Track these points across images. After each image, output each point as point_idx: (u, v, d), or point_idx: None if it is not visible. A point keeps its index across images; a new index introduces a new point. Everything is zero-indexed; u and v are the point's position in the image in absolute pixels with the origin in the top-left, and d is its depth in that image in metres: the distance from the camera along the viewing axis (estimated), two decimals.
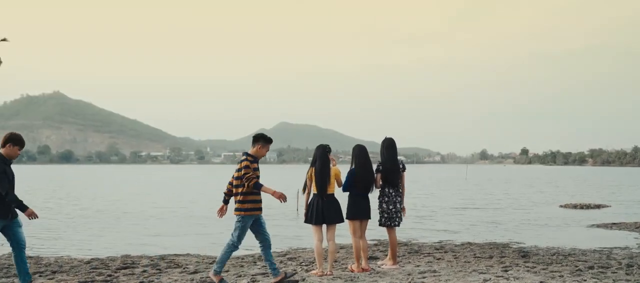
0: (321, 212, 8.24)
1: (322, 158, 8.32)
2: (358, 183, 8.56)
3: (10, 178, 7.13)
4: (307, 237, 14.49)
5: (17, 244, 7.31)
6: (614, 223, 17.02)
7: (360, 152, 8.73)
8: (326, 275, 8.34)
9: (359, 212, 8.61)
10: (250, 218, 7.64)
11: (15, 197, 7.11)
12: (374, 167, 8.86)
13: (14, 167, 7.30)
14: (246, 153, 7.75)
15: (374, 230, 15.14)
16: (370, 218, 8.76)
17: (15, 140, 7.27)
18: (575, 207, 23.84)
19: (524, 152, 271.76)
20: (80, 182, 56.10)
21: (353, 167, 8.67)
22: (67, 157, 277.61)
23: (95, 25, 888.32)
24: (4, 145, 7.22)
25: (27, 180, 59.77)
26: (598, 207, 23.84)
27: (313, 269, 8.89)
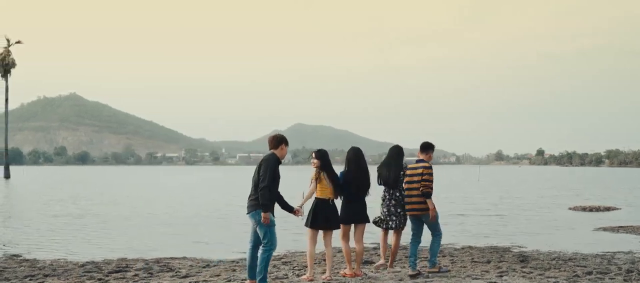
0: (325, 216, 8.21)
1: (329, 164, 8.39)
2: (349, 187, 8.49)
3: (278, 177, 7.61)
4: (305, 241, 14.39)
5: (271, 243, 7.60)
6: (621, 227, 16.76)
7: (354, 155, 8.66)
8: (325, 279, 8.33)
9: (350, 215, 8.53)
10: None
11: (268, 197, 7.39)
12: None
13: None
14: (424, 161, 8.82)
15: (375, 233, 15.07)
16: (367, 222, 8.67)
17: (286, 141, 7.89)
18: (584, 209, 23.53)
19: (540, 152, 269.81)
20: (99, 183, 56.41)
21: (345, 169, 8.61)
22: (83, 158, 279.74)
23: (111, 28, 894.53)
24: (277, 147, 7.74)
25: (45, 180, 60.27)
26: (608, 209, 23.53)
27: (304, 274, 8.80)
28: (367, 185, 8.59)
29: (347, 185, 8.48)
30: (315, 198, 8.33)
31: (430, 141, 9.02)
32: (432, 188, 8.64)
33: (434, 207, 8.66)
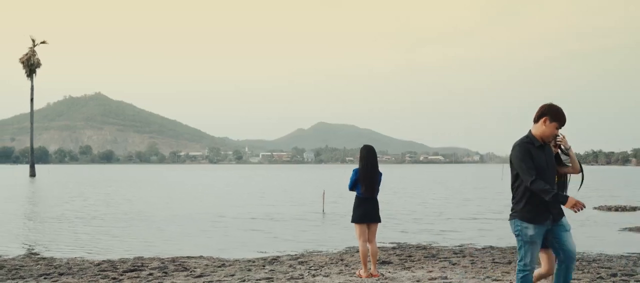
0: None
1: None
2: (361, 185, 8.37)
3: (542, 165, 5.52)
4: (324, 240, 14.28)
5: (565, 255, 5.62)
6: None
7: (367, 153, 8.53)
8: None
9: (364, 214, 8.39)
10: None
11: (544, 186, 5.38)
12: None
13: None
14: None
15: (394, 234, 14.88)
16: (379, 221, 8.52)
17: (553, 114, 5.56)
18: (609, 209, 23.04)
19: None
20: (123, 182, 56.83)
21: (359, 167, 8.50)
22: (108, 157, 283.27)
23: (135, 28, 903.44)
24: (537, 120, 5.61)
25: (69, 179, 60.94)
26: (634, 209, 23.02)
27: (320, 273, 8.66)
28: (376, 183, 8.46)
29: (360, 183, 8.38)
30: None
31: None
32: None
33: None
